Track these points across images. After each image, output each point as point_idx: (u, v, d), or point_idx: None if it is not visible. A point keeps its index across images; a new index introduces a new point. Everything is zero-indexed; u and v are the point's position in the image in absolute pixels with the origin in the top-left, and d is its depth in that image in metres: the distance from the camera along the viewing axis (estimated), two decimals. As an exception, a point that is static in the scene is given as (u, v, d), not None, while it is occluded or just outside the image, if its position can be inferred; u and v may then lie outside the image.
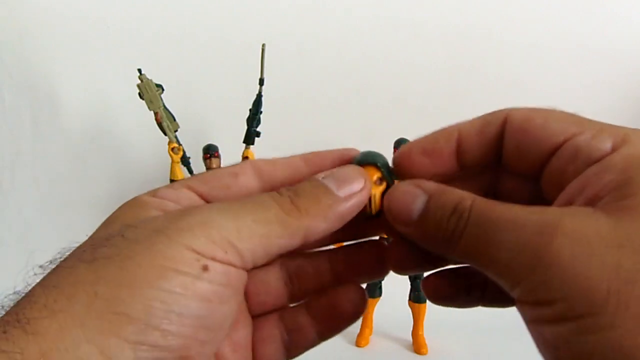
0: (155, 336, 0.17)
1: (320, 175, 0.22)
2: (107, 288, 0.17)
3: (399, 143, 0.73)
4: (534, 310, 0.18)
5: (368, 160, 0.24)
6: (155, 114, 0.78)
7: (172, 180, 0.80)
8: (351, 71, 0.92)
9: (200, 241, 0.19)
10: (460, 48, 0.92)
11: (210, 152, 0.81)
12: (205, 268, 0.18)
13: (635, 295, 0.16)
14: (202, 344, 0.19)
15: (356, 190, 0.22)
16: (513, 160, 0.23)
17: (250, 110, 0.81)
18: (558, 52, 0.92)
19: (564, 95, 0.91)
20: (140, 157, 0.95)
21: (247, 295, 0.24)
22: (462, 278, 0.25)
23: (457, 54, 0.92)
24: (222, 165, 0.82)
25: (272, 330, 0.25)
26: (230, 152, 0.82)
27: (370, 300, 0.75)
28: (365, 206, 0.23)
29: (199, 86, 0.93)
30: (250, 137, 0.81)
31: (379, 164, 0.24)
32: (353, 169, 0.23)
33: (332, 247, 0.26)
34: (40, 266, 0.20)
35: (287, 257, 0.25)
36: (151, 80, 0.77)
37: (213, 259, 0.19)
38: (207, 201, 0.23)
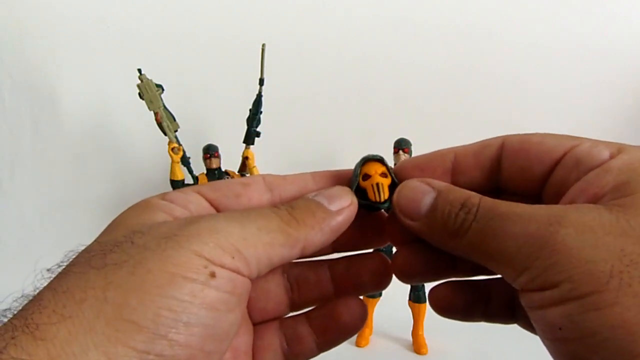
0: (163, 345, 0.17)
1: (311, 194, 0.24)
2: (117, 293, 0.17)
3: (399, 143, 0.73)
4: (539, 294, 0.18)
5: (375, 157, 0.26)
6: (155, 114, 0.78)
7: (172, 181, 0.80)
8: (351, 71, 0.92)
9: (209, 247, 0.19)
10: (460, 48, 0.92)
11: (210, 152, 0.81)
12: (212, 275, 0.19)
13: (637, 275, 0.17)
14: (208, 355, 0.19)
15: (346, 205, 0.23)
16: (513, 181, 0.24)
17: (250, 110, 0.81)
18: (558, 52, 0.91)
19: (564, 95, 0.91)
20: (140, 157, 0.95)
21: (248, 301, 0.24)
22: (467, 291, 0.26)
23: (457, 54, 0.92)
24: (221, 165, 0.82)
25: (272, 339, 0.25)
26: (230, 152, 0.82)
27: (370, 300, 0.75)
28: (374, 194, 0.24)
29: (199, 86, 0.93)
30: (250, 137, 0.81)
31: (384, 161, 0.26)
32: (340, 188, 0.24)
33: (335, 255, 0.27)
34: (48, 269, 0.20)
35: (289, 265, 0.26)
36: (151, 80, 0.77)
37: (222, 265, 0.19)
38: (216, 208, 0.24)
